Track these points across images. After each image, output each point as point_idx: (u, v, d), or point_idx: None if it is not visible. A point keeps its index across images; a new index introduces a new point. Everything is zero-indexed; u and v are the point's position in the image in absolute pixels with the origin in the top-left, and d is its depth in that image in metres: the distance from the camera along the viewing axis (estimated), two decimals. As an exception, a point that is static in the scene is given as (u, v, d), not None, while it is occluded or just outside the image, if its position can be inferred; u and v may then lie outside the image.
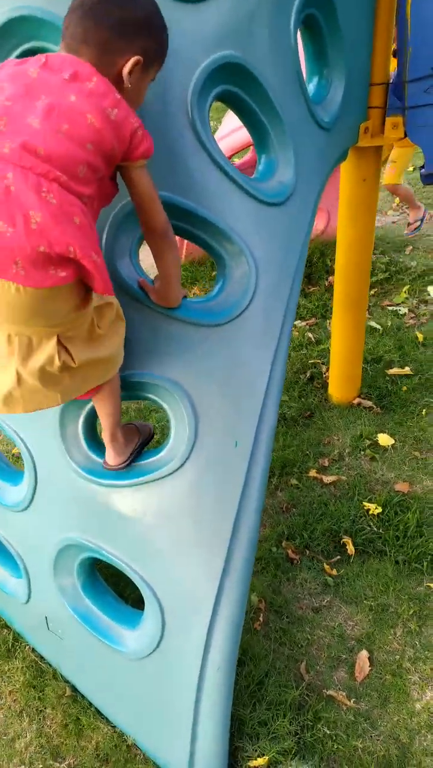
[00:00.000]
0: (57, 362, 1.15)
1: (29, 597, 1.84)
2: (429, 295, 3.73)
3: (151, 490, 1.50)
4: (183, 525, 1.49)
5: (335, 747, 1.68)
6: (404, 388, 2.97)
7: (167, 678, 1.57)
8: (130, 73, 1.14)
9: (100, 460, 1.56)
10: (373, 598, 2.09)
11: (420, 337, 3.33)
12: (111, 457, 1.51)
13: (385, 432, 2.73)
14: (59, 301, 1.09)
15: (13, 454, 2.86)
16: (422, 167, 2.19)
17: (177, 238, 1.40)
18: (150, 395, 1.51)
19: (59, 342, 1.14)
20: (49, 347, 1.13)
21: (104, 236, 1.40)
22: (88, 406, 1.54)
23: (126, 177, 1.20)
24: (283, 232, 1.63)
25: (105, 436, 1.48)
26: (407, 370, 3.07)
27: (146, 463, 1.53)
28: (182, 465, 1.46)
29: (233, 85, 1.52)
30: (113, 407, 1.43)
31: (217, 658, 1.50)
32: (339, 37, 1.78)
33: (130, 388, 1.50)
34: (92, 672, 1.78)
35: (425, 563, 2.18)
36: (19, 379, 1.15)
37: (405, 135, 2.11)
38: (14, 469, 1.90)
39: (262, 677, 1.83)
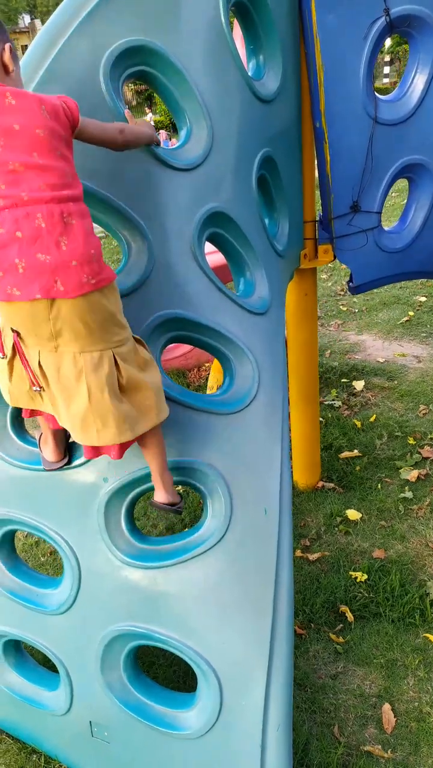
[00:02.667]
0: (116, 373, 1.38)
1: (70, 705, 1.85)
2: (355, 389, 4.24)
3: (196, 565, 1.67)
4: (229, 593, 1.65)
5: (386, 798, 1.77)
6: (357, 468, 3.33)
7: (231, 747, 1.64)
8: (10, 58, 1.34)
9: (143, 546, 1.72)
10: (381, 656, 2.27)
11: (358, 424, 3.77)
12: (163, 495, 1.63)
13: (351, 508, 3.02)
14: (99, 311, 1.32)
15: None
16: (350, 281, 2.71)
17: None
18: (187, 479, 1.72)
19: (114, 359, 1.39)
20: (109, 361, 1.37)
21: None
22: (129, 497, 1.72)
23: (80, 137, 1.41)
24: (269, 335, 1.99)
25: (155, 478, 1.62)
26: (356, 452, 3.45)
27: (188, 541, 1.70)
28: (222, 537, 1.66)
29: (219, 227, 1.93)
30: (161, 448, 1.60)
31: (276, 717, 1.61)
32: (282, 191, 2.29)
33: (168, 475, 1.71)
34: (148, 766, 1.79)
35: (417, 617, 2.40)
36: (90, 394, 1.36)
37: (334, 257, 2.63)
38: (44, 576, 1.97)
39: (304, 744, 1.91)
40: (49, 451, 1.70)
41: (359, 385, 4.27)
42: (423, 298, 5.71)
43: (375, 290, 5.93)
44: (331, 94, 2.28)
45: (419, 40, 2.28)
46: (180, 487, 2.08)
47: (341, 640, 2.35)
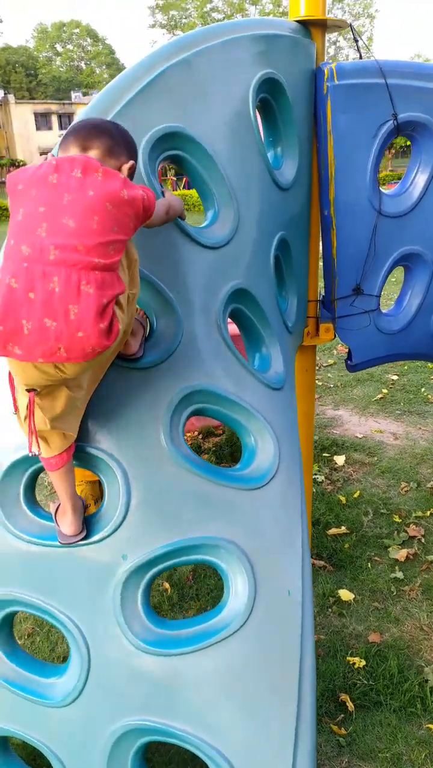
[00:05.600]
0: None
1: None
2: (336, 463, 4.27)
3: (218, 651, 1.58)
4: (253, 682, 1.57)
5: None
6: (346, 545, 3.29)
7: None
8: (128, 175, 1.41)
9: (160, 630, 1.62)
10: (386, 750, 2.17)
11: (343, 499, 3.77)
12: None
13: (344, 587, 2.97)
14: (100, 367, 1.42)
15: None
16: (348, 359, 2.79)
17: None
18: (208, 557, 1.66)
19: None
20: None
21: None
22: (148, 576, 1.64)
23: (150, 225, 1.47)
24: (286, 411, 2.00)
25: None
26: (343, 529, 3.42)
27: (208, 625, 1.63)
28: (246, 621, 1.59)
29: (240, 303, 1.97)
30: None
31: None
32: (292, 271, 2.37)
33: (190, 552, 1.65)
34: None
35: (418, 706, 2.33)
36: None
37: (335, 336, 2.71)
38: (47, 663, 1.83)
39: None
40: (67, 523, 1.62)
41: (340, 460, 4.30)
42: (395, 377, 5.90)
43: (348, 367, 6.11)
44: (340, 186, 2.41)
45: (421, 143, 2.47)
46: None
47: (343, 732, 2.24)
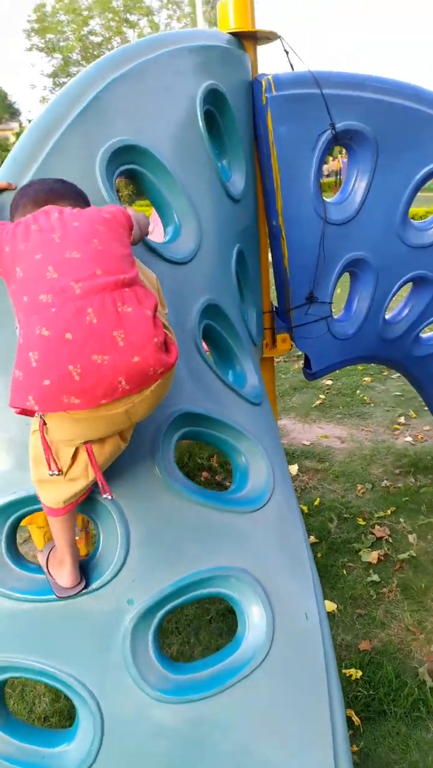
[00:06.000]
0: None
1: None
2: (291, 473, 4.26)
3: (244, 689, 1.48)
4: (286, 713, 1.47)
5: None
6: (319, 554, 3.26)
7: None
8: None
9: (177, 676, 1.50)
10: (402, 761, 2.12)
11: (305, 508, 3.74)
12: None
13: (325, 598, 2.91)
14: (164, 393, 1.27)
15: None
16: (307, 367, 2.78)
17: None
18: (219, 590, 1.56)
19: None
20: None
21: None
22: (157, 619, 1.51)
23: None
24: (269, 426, 1.94)
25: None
26: (312, 538, 3.39)
27: (229, 662, 1.52)
28: (268, 652, 1.50)
29: (211, 319, 1.90)
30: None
31: None
32: (248, 283, 2.34)
33: (200, 586, 1.53)
34: None
35: (422, 710, 2.30)
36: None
37: (292, 346, 2.69)
38: (49, 731, 1.63)
39: None
40: (66, 574, 1.46)
41: (293, 469, 4.28)
42: (330, 382, 6.02)
43: (283, 376, 6.19)
44: (286, 197, 2.41)
45: (358, 151, 2.52)
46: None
47: (355, 748, 2.17)
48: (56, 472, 1.30)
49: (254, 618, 1.54)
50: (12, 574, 1.53)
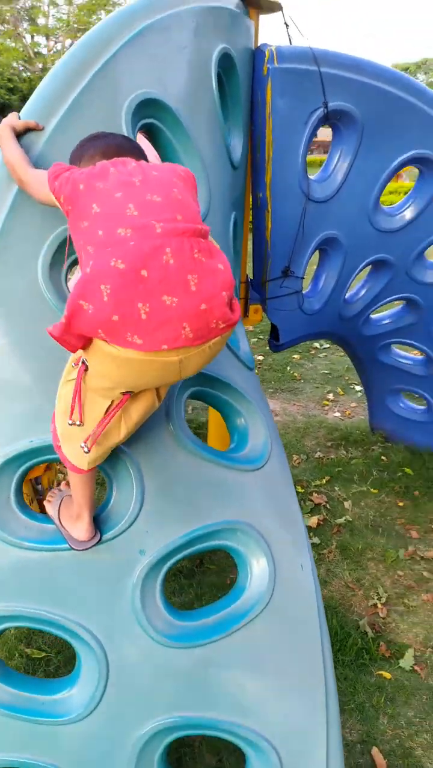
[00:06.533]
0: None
1: None
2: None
3: (246, 633, 1.57)
4: (283, 659, 1.58)
5: None
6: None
7: None
8: None
9: (183, 623, 1.56)
10: (351, 701, 2.32)
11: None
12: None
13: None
14: (215, 355, 1.24)
15: None
16: (274, 338, 2.88)
17: None
18: (225, 542, 1.62)
19: None
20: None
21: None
22: (165, 569, 1.56)
23: None
24: (259, 389, 2.01)
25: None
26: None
27: (231, 610, 1.60)
28: (270, 599, 1.59)
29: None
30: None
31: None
32: (238, 252, 2.38)
33: (207, 539, 1.60)
34: None
35: (366, 657, 2.53)
36: None
37: (262, 318, 2.78)
38: (47, 680, 1.64)
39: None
40: (83, 529, 1.46)
41: (233, 439, 4.42)
42: (261, 357, 6.19)
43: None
44: (276, 170, 2.46)
45: (345, 132, 2.61)
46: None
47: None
48: (78, 423, 1.29)
49: (256, 569, 1.62)
50: (20, 523, 1.52)
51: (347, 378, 5.76)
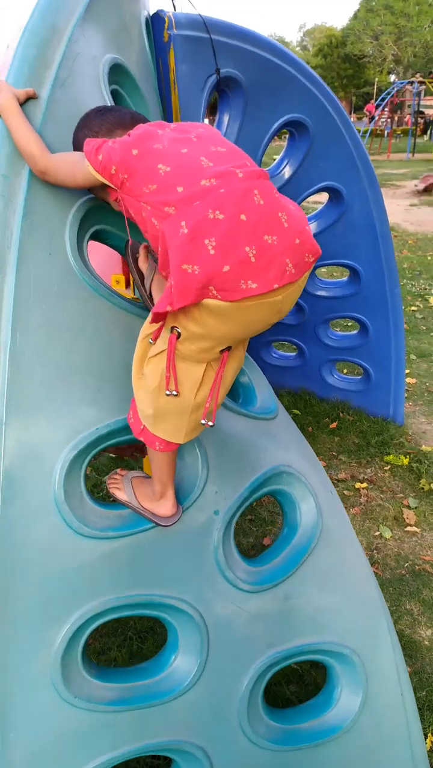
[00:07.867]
0: None
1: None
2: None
3: (312, 561, 1.69)
4: (340, 572, 1.74)
5: None
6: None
7: (381, 718, 1.73)
8: None
9: (258, 567, 1.65)
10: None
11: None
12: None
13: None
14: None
15: None
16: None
17: None
18: (277, 486, 1.72)
19: None
20: None
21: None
22: (234, 523, 1.62)
23: None
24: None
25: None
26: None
27: (293, 545, 1.71)
28: (322, 528, 1.73)
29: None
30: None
31: (403, 670, 1.79)
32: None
33: (262, 486, 1.68)
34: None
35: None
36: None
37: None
38: (135, 667, 1.59)
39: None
40: (168, 504, 1.46)
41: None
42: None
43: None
44: (183, 136, 2.50)
45: (232, 98, 2.72)
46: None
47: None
48: (174, 392, 1.28)
49: (305, 505, 1.76)
50: (98, 515, 1.45)
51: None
